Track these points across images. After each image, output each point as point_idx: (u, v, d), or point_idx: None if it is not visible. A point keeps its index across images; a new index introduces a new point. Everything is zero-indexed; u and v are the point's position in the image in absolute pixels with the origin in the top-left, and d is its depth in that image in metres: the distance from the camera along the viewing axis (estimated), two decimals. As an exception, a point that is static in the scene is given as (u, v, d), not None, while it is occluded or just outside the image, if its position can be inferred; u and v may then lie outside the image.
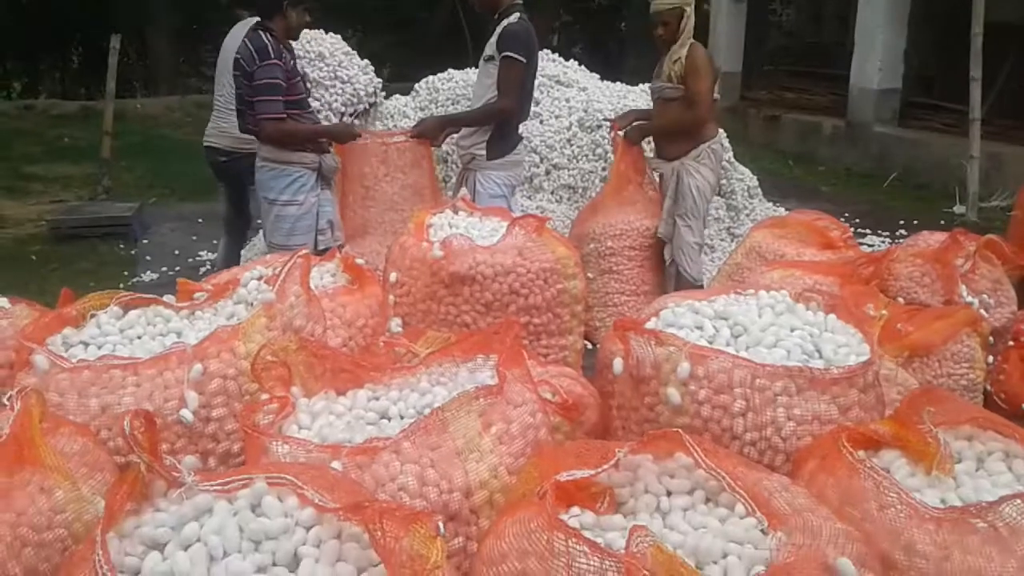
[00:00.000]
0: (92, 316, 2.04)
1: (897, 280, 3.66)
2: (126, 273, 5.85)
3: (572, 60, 6.58)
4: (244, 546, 1.20)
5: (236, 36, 4.39)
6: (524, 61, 3.91)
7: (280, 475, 1.28)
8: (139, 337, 1.99)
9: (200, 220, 7.33)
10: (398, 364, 1.88)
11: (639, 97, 6.05)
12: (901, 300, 3.57)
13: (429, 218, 2.83)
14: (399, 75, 13.96)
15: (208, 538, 1.19)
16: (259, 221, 4.36)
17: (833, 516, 1.37)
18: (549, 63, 6.33)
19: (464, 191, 3.88)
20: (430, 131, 4.14)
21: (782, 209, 6.52)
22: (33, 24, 18.02)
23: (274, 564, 1.18)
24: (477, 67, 4.20)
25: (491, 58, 3.99)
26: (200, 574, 1.15)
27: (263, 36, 3.57)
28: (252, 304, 2.06)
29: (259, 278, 2.12)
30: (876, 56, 9.22)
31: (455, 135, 4.21)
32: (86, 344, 1.96)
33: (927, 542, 1.40)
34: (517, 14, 3.97)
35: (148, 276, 5.86)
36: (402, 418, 1.74)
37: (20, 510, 1.41)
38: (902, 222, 7.09)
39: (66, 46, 20.48)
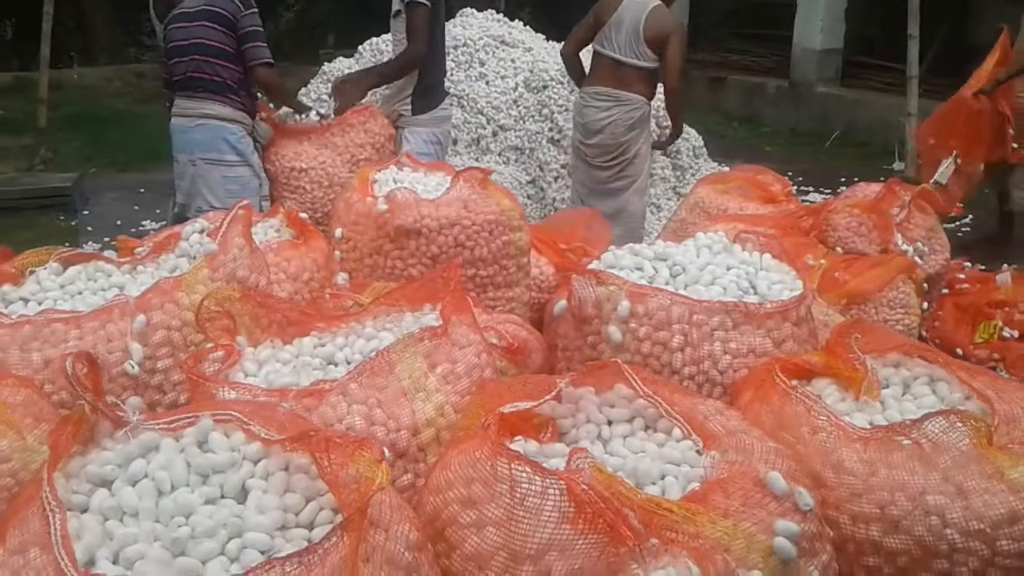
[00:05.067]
0: (31, 272, 2.02)
1: (835, 231, 3.75)
2: (68, 244, 5.68)
3: (517, 21, 6.57)
4: (192, 480, 1.21)
5: None
6: (429, 4, 3.87)
7: (226, 412, 1.30)
8: (80, 293, 1.97)
9: (142, 190, 7.22)
10: (344, 313, 1.90)
11: (584, 56, 6.06)
12: (839, 250, 3.66)
13: (373, 174, 2.82)
14: (345, 43, 13.76)
15: (155, 473, 1.21)
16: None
17: (765, 437, 1.43)
18: (494, 23, 6.33)
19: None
20: (351, 96, 4.07)
21: (726, 168, 6.61)
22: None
23: (222, 496, 1.20)
24: None
25: (398, 13, 3.95)
26: (148, 507, 1.17)
27: None
28: (194, 257, 2.05)
29: (201, 231, 2.11)
30: (818, 17, 9.36)
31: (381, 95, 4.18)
32: (26, 300, 1.94)
33: (855, 460, 1.47)
34: None
35: (90, 247, 5.75)
36: (348, 363, 1.75)
37: (-36, 460, 1.41)
38: (843, 179, 7.24)
39: (-3, 18, 19.83)
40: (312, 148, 3.93)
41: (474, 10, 6.46)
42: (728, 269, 1.95)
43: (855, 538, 1.44)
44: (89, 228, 6.13)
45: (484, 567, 1.23)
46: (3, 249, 2.14)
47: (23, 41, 20.84)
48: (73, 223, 6.35)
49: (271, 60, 3.80)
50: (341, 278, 2.49)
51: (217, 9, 3.69)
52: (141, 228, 6.17)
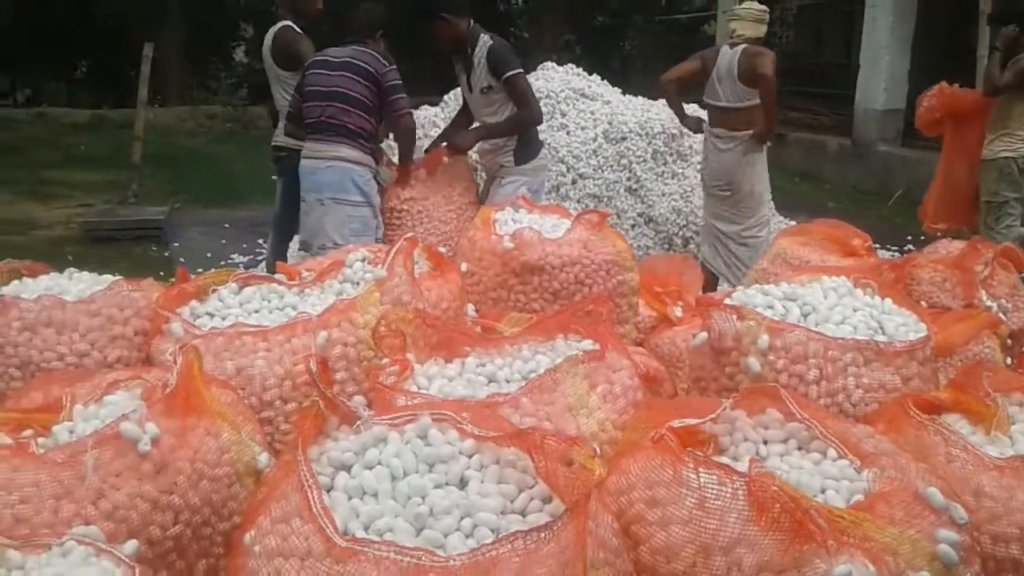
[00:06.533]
0: (213, 291, 2.23)
1: (920, 285, 3.87)
2: (162, 274, 6.01)
3: (595, 75, 6.82)
4: (420, 467, 1.39)
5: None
6: (522, 69, 4.16)
7: (441, 412, 1.47)
8: (257, 311, 2.18)
9: (227, 225, 7.56)
10: (501, 337, 2.08)
11: (662, 111, 6.29)
12: (924, 304, 3.78)
13: (494, 214, 3.03)
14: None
15: (389, 461, 1.39)
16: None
17: (913, 459, 1.56)
18: (574, 77, 6.58)
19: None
20: (466, 144, 4.36)
21: (793, 222, 6.75)
22: (39, 35, 18.27)
23: (447, 483, 1.38)
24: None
25: (490, 88, 4.21)
26: (386, 489, 1.34)
27: (375, 47, 4.06)
28: (357, 283, 2.26)
29: (363, 260, 2.32)
30: (881, 77, 9.53)
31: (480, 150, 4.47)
32: (211, 315, 2.15)
33: (994, 486, 1.59)
34: (483, 35, 4.20)
35: (184, 277, 6.04)
36: (508, 382, 1.92)
37: (196, 448, 1.60)
38: (909, 237, 7.33)
39: (70, 57, 20.72)
40: (415, 190, 4.19)
41: (555, 64, 6.74)
42: (855, 311, 2.10)
43: (995, 556, 1.56)
44: (181, 259, 6.42)
45: (673, 559, 1.38)
46: (182, 269, 2.36)
47: (96, 80, 21.76)
48: (165, 254, 6.66)
49: (411, 111, 4.15)
50: (470, 309, 2.68)
51: (361, 63, 4.00)
52: (230, 261, 6.47)
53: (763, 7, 4.77)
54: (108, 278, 2.29)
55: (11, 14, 18.22)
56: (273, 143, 4.79)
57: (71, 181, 9.65)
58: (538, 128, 4.48)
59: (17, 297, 2.13)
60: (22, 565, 1.32)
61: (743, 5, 4.75)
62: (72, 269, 2.37)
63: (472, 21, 4.27)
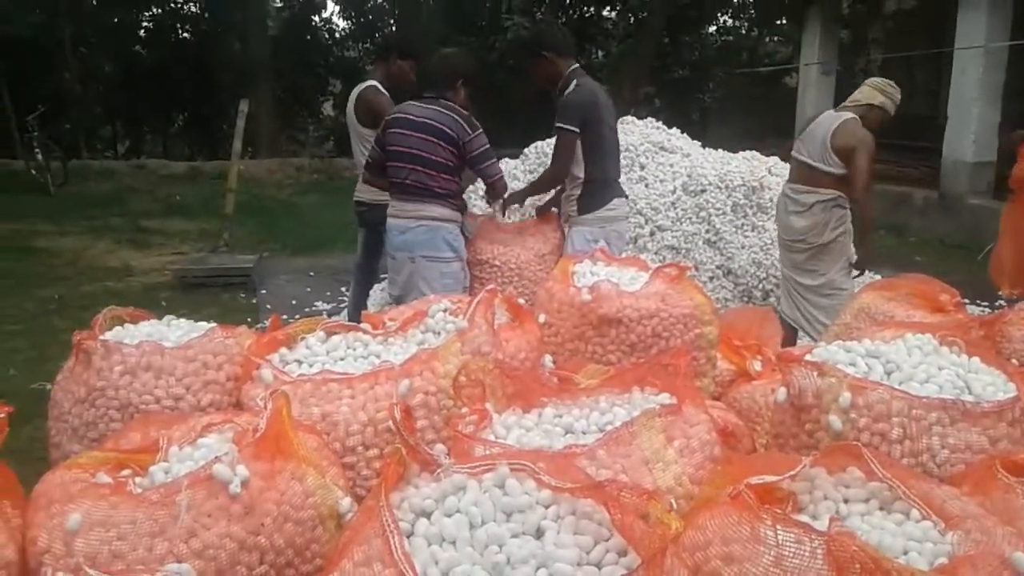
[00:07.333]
0: (302, 339, 2.32)
1: (1011, 342, 3.74)
2: (249, 320, 6.23)
3: (675, 128, 6.86)
4: (498, 516, 1.42)
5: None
6: (576, 130, 4.19)
7: (519, 461, 1.50)
8: (343, 358, 2.26)
9: (312, 274, 7.78)
10: (579, 389, 2.10)
11: (741, 164, 6.29)
12: (1015, 362, 3.65)
13: (572, 266, 3.07)
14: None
15: (467, 509, 1.42)
16: (384, 276, 4.71)
17: (1000, 523, 1.52)
18: (653, 130, 6.64)
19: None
20: (503, 204, 4.53)
21: (878, 276, 6.62)
22: (141, 90, 19.33)
23: (523, 533, 1.40)
24: None
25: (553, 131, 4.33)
26: (465, 537, 1.38)
27: (456, 109, 4.02)
28: (438, 333, 2.32)
29: (444, 310, 2.38)
30: (970, 129, 9.33)
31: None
32: (299, 362, 2.24)
33: (1088, 553, 1.54)
34: (575, 81, 4.24)
35: (271, 323, 6.23)
36: (584, 433, 1.94)
37: (282, 490, 1.66)
38: (1000, 292, 7.09)
39: (168, 111, 21.83)
40: (499, 245, 4.26)
41: (635, 118, 6.82)
42: (940, 369, 2.06)
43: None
44: (268, 306, 6.62)
45: (749, 616, 1.37)
46: (275, 316, 2.46)
47: (191, 133, 22.81)
48: (253, 301, 6.88)
49: (502, 175, 4.19)
50: (548, 360, 2.71)
51: (442, 127, 3.95)
52: (314, 308, 6.64)
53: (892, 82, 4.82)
54: (204, 325, 2.40)
55: (113, 70, 19.33)
56: (355, 198, 4.95)
57: (167, 230, 10.09)
58: (613, 178, 4.49)
59: (120, 342, 2.26)
60: (118, 600, 1.39)
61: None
62: (170, 316, 2.49)
63: (577, 65, 4.33)
